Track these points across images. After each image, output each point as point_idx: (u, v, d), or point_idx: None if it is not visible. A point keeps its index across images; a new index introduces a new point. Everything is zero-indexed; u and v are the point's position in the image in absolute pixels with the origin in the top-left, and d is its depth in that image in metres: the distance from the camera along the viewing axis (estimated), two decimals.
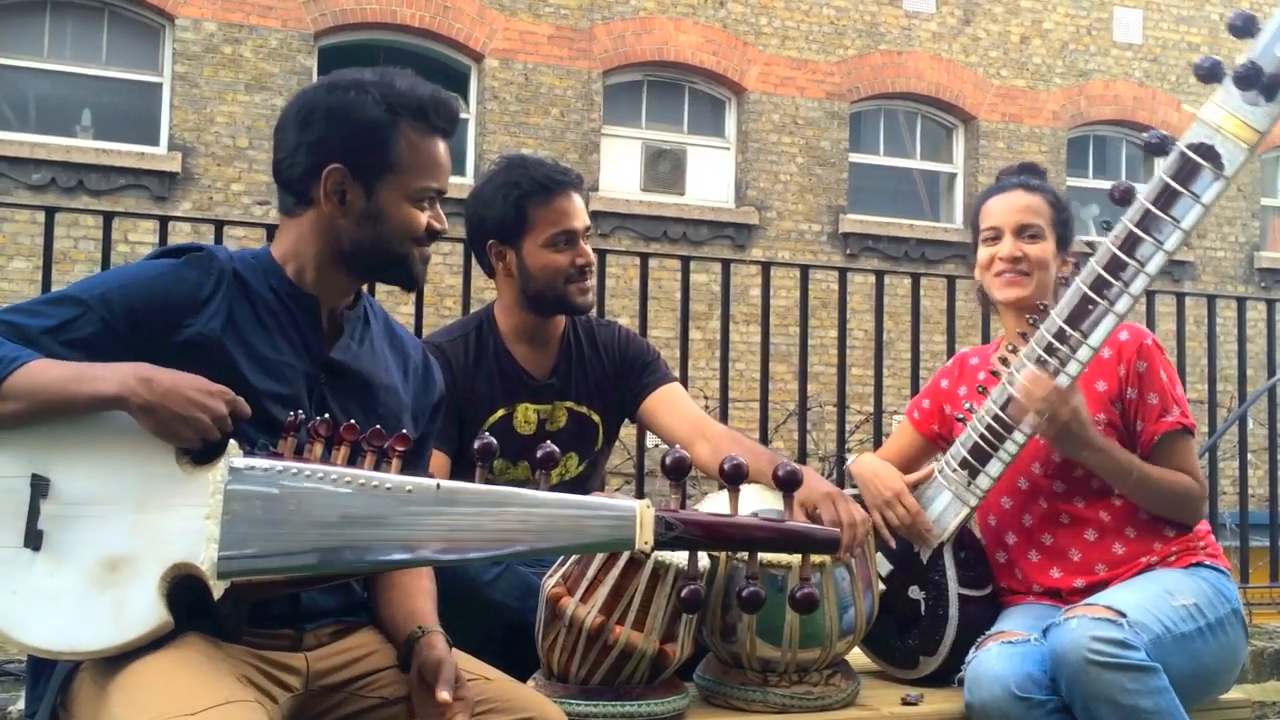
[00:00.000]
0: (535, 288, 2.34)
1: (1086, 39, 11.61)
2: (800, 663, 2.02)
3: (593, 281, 2.39)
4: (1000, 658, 1.99)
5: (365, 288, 1.88)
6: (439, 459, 2.19)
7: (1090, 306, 2.07)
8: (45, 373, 1.51)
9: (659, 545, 1.53)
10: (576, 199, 2.37)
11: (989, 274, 2.34)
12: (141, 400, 1.50)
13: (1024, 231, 2.32)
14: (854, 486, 2.41)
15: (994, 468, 2.19)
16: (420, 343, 1.99)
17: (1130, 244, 2.03)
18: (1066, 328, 2.09)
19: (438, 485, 1.53)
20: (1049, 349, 2.10)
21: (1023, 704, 1.94)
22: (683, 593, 1.55)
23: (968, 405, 2.31)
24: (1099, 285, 2.06)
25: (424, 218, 1.74)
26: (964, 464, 2.23)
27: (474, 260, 4.16)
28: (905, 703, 2.13)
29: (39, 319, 1.58)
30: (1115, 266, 2.05)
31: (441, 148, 1.75)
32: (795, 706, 2.01)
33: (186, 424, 1.51)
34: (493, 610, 2.09)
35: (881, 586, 2.35)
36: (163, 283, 1.63)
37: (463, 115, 9.78)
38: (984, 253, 2.36)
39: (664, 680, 1.97)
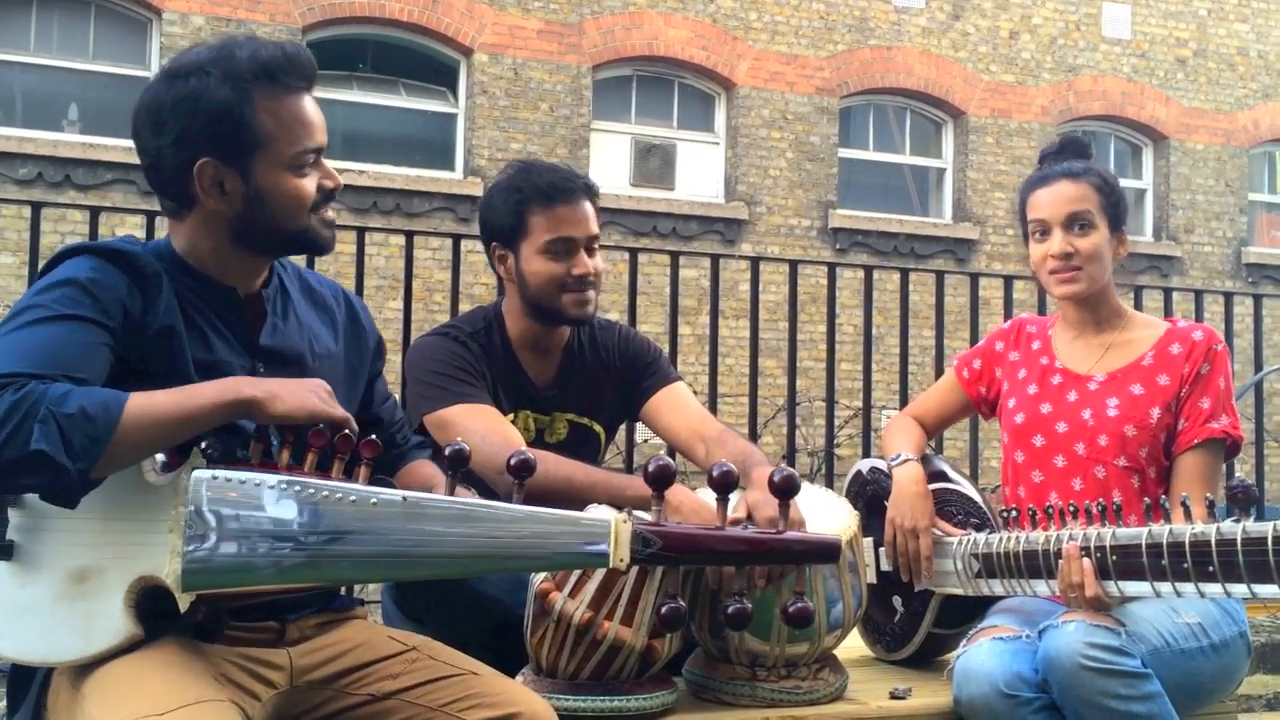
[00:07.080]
0: (531, 295, 2.32)
1: (1075, 34, 11.63)
2: (789, 657, 2.02)
3: (594, 293, 2.32)
4: (990, 654, 1.98)
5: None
6: (495, 413, 2.19)
7: (1140, 562, 1.86)
8: (152, 400, 1.45)
9: (635, 561, 1.50)
10: (583, 208, 2.31)
11: (1043, 271, 2.29)
12: (265, 391, 1.51)
13: (1073, 223, 2.25)
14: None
15: (999, 588, 2.13)
16: (341, 288, 1.92)
17: (1216, 555, 1.76)
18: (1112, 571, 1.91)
19: (403, 498, 1.50)
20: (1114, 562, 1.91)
21: (1010, 702, 1.93)
22: (662, 610, 1.51)
23: (1033, 510, 2.12)
24: (1162, 556, 1.83)
25: (310, 183, 1.66)
26: (983, 561, 2.14)
27: (462, 255, 4.18)
28: (893, 696, 2.13)
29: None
30: (1197, 556, 1.78)
31: (305, 104, 1.65)
32: (784, 701, 2.02)
33: (311, 394, 1.54)
34: (481, 604, 2.08)
35: (873, 580, 2.35)
36: (116, 285, 1.55)
37: (454, 110, 9.80)
38: (1035, 250, 2.30)
39: (652, 675, 1.97)
